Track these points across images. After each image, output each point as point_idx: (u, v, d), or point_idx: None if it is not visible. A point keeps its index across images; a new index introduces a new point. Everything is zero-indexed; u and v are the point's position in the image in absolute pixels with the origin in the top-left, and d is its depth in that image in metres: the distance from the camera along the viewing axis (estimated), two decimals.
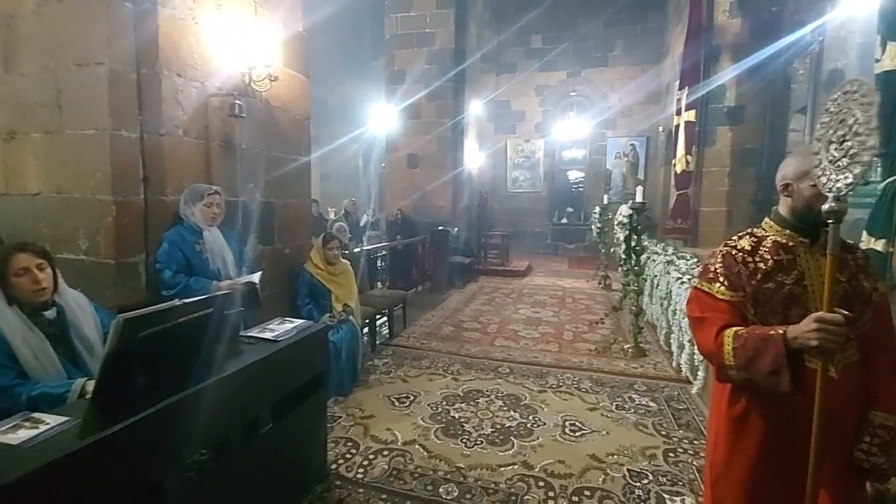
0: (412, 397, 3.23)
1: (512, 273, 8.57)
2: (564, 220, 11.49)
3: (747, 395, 1.33)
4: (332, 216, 7.96)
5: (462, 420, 2.90)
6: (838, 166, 1.14)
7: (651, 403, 3.15)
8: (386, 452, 2.53)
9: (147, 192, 2.43)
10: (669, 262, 4.46)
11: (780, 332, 1.18)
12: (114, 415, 1.25)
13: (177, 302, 1.41)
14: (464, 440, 2.66)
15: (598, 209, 8.24)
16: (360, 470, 2.37)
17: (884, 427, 1.23)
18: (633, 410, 3.04)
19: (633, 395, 3.27)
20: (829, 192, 1.15)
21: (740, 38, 6.93)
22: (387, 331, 4.74)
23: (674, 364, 3.78)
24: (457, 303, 6.30)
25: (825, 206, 1.14)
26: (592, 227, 8.69)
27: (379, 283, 5.93)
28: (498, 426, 2.83)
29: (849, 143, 1.12)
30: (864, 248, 2.93)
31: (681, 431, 2.75)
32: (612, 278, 7.32)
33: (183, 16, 2.50)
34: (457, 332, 4.86)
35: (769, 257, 1.33)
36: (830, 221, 1.14)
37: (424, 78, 7.85)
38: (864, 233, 2.97)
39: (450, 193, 8.00)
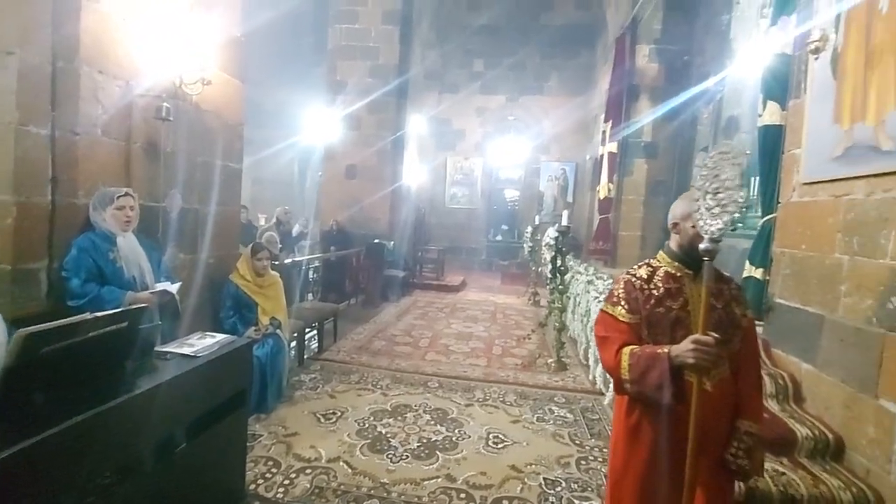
0: (339, 413, 3.20)
1: (447, 288, 8.72)
2: (499, 238, 11.92)
3: (640, 406, 1.51)
4: (262, 223, 7.67)
5: (389, 435, 2.92)
6: (713, 213, 1.35)
7: (568, 415, 3.36)
8: (309, 471, 2.49)
9: (56, 193, 2.24)
10: (590, 282, 4.81)
11: (666, 350, 1.37)
12: (6, 438, 1.16)
13: (87, 315, 1.34)
14: (389, 455, 2.68)
15: (530, 229, 8.66)
16: (281, 490, 2.31)
17: (748, 433, 1.45)
18: (552, 422, 3.23)
19: (553, 407, 3.48)
20: (706, 234, 1.35)
21: (657, 82, 7.69)
22: (316, 345, 4.64)
23: (590, 377, 4.07)
24: (390, 317, 6.30)
25: (701, 246, 1.35)
26: (524, 245, 9.10)
27: (310, 296, 5.80)
28: (424, 440, 2.88)
29: (721, 195, 1.34)
30: (746, 275, 3.38)
31: (593, 440, 2.97)
32: (542, 295, 7.69)
33: (109, 10, 2.37)
34: (388, 347, 4.87)
35: (661, 285, 1.53)
36: (706, 258, 1.35)
37: (367, 90, 7.88)
38: (747, 262, 3.42)
39: (388, 206, 8.03)
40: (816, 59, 2.78)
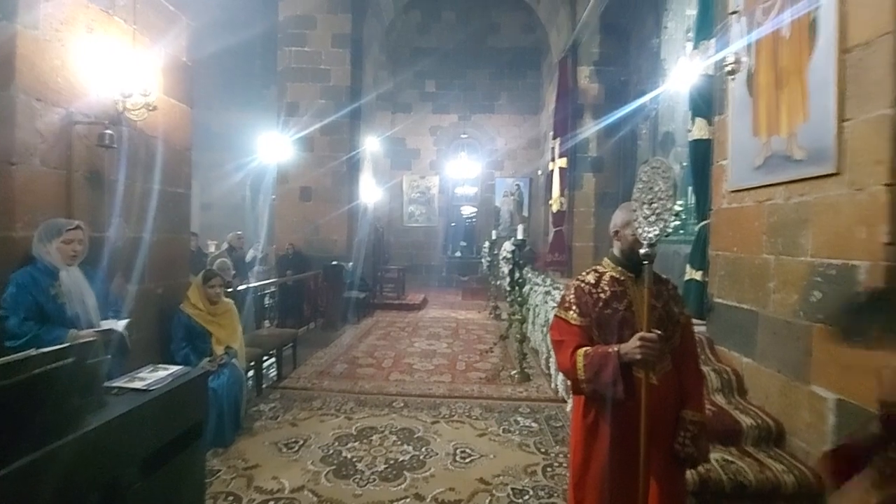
0: (301, 441, 3.11)
1: (408, 306, 8.69)
2: (459, 254, 12.04)
3: (596, 405, 1.59)
4: (212, 249, 7.40)
5: (355, 459, 2.87)
6: (649, 221, 1.47)
7: (534, 424, 3.43)
8: (272, 503, 2.40)
9: None
10: (547, 293, 4.96)
11: (616, 349, 1.47)
12: None
13: (32, 352, 1.27)
14: (356, 480, 2.63)
15: (487, 243, 8.82)
16: None
17: (693, 423, 1.56)
18: (517, 432, 3.28)
19: (519, 418, 3.53)
20: (644, 240, 1.47)
21: (598, 100, 8.15)
22: (275, 372, 4.49)
23: (552, 386, 4.17)
24: (351, 339, 6.20)
25: (641, 251, 1.47)
26: (483, 260, 9.26)
27: (266, 322, 5.63)
28: (391, 461, 2.85)
29: (655, 205, 1.47)
30: (687, 278, 3.61)
31: (557, 447, 3.04)
32: (502, 308, 7.82)
33: (47, 37, 2.28)
34: (351, 370, 4.79)
35: (607, 289, 1.63)
36: (645, 262, 1.46)
37: (319, 112, 7.87)
38: (688, 265, 3.66)
39: (345, 227, 7.96)
40: (733, 79, 3.07)
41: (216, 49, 8.88)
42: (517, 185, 11.94)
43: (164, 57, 3.11)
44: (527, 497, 2.47)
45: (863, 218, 2.09)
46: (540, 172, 11.03)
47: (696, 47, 3.85)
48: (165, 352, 3.10)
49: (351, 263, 7.69)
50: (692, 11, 4.84)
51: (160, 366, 2.15)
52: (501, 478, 2.66)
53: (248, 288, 4.98)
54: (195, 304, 3.20)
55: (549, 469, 2.76)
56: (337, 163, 7.94)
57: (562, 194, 8.28)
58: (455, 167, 11.86)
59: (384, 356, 5.34)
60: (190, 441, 2.05)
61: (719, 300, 3.24)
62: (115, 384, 1.87)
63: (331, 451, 2.96)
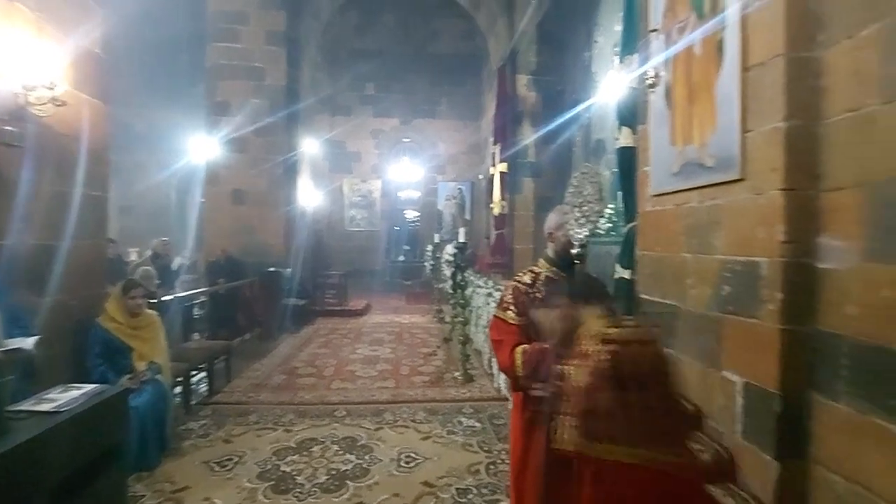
0: (236, 458, 2.95)
1: (350, 313, 8.52)
2: (402, 258, 11.98)
3: (533, 402, 1.65)
4: (134, 257, 6.85)
5: (294, 473, 2.76)
6: (580, 223, 1.56)
7: (477, 424, 3.48)
8: None
9: None
10: (489, 294, 5.07)
11: (551, 345, 1.53)
12: None
13: None
14: (296, 494, 2.54)
15: (430, 247, 8.86)
16: None
17: None
18: (461, 433, 3.32)
19: (462, 419, 3.57)
20: (575, 241, 1.56)
21: (536, 108, 8.48)
22: (206, 387, 4.23)
23: (495, 385, 4.26)
24: (290, 348, 5.97)
25: (573, 251, 1.55)
26: (426, 264, 9.28)
27: (196, 334, 5.29)
28: (333, 472, 2.78)
29: (585, 208, 1.58)
30: (617, 276, 3.84)
31: (500, 444, 3.11)
32: (446, 311, 7.87)
33: None
34: (290, 380, 4.61)
35: (543, 288, 1.71)
36: (576, 262, 1.55)
37: (253, 112, 7.53)
38: (617, 265, 3.89)
39: (282, 232, 7.66)
40: (653, 92, 3.32)
41: (138, 43, 8.26)
42: (459, 189, 12.11)
43: (74, 49, 2.84)
44: (471, 496, 2.50)
45: (763, 219, 2.33)
46: (481, 177, 11.26)
47: (621, 61, 4.12)
48: (81, 370, 2.82)
49: (289, 269, 7.41)
50: (619, 27, 5.18)
51: (72, 385, 1.97)
52: (446, 479, 2.67)
53: (174, 298, 4.66)
54: (114, 316, 2.95)
55: (492, 466, 2.82)
56: (273, 165, 7.64)
57: (503, 198, 8.52)
58: (397, 171, 11.82)
59: (325, 364, 5.20)
60: (108, 465, 1.89)
61: (645, 296, 3.47)
62: (20, 408, 1.68)
63: (269, 466, 2.84)
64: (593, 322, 1.17)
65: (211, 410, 3.78)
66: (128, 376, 2.88)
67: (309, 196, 9.03)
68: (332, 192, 11.51)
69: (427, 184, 12.23)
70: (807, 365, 2.20)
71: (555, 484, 1.60)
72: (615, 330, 1.12)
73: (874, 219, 1.94)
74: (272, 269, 6.95)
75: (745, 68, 2.46)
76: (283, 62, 7.71)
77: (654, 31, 3.34)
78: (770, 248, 2.28)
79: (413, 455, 2.98)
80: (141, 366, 2.97)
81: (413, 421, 3.55)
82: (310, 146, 9.12)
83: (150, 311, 3.24)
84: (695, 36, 2.88)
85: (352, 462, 2.89)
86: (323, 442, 3.17)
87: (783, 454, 2.23)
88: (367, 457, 2.96)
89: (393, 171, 11.89)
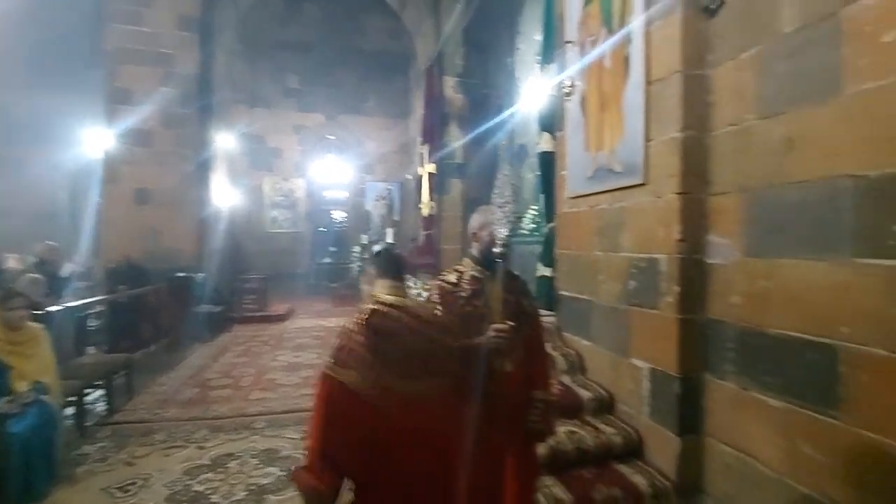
0: (140, 482, 2.68)
1: (271, 318, 8.09)
2: (328, 260, 11.59)
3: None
4: (12, 264, 5.97)
5: (208, 492, 2.57)
6: (501, 223, 1.61)
7: None
8: None
9: None
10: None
11: (477, 342, 1.56)
12: None
13: None
14: None
15: (357, 248, 8.69)
16: None
17: (541, 401, 1.74)
18: None
19: None
20: (498, 240, 1.60)
21: (463, 111, 8.63)
22: (104, 406, 3.79)
23: None
24: (203, 359, 5.54)
25: (495, 250, 1.59)
26: (353, 265, 9.08)
27: (91, 348, 4.74)
28: (252, 487, 2.62)
29: (506, 209, 1.62)
30: (539, 274, 4.02)
31: None
32: None
33: None
34: (202, 393, 4.27)
35: (468, 287, 1.74)
36: (498, 260, 1.59)
37: (160, 102, 6.89)
38: (539, 263, 4.07)
39: (194, 235, 7.09)
40: (569, 100, 3.53)
41: (24, 15, 7.22)
42: (388, 189, 11.99)
43: None
44: None
45: (662, 220, 2.57)
46: (410, 177, 11.25)
47: (541, 69, 4.33)
48: None
49: (202, 275, 6.87)
50: (539, 37, 5.43)
51: None
52: None
53: (64, 308, 4.12)
54: None
55: None
56: (184, 161, 7.04)
57: (431, 199, 8.57)
58: (323, 170, 11.42)
59: (243, 374, 4.88)
60: None
61: (564, 292, 3.68)
62: None
63: (179, 487, 2.61)
64: (380, 289, 1.47)
65: (110, 431, 3.40)
66: (5, 399, 2.50)
67: (225, 195, 8.45)
68: (252, 191, 10.86)
69: (355, 183, 11.97)
70: (700, 349, 2.46)
71: (480, 473, 1.63)
72: (385, 297, 1.43)
73: (751, 220, 2.22)
74: (182, 274, 6.40)
75: (649, 82, 2.69)
76: (195, 49, 7.13)
77: (570, 42, 3.55)
78: (668, 246, 2.52)
79: None
80: (22, 386, 2.60)
81: None
82: (226, 141, 8.53)
83: (33, 325, 2.84)
84: (605, 50, 3.10)
85: (273, 475, 2.74)
86: (241, 456, 2.97)
87: (683, 430, 2.47)
88: (291, 469, 2.82)
89: (318, 170, 11.47)
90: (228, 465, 2.86)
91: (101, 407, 3.78)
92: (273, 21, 10.75)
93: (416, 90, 10.61)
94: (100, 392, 3.82)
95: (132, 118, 6.76)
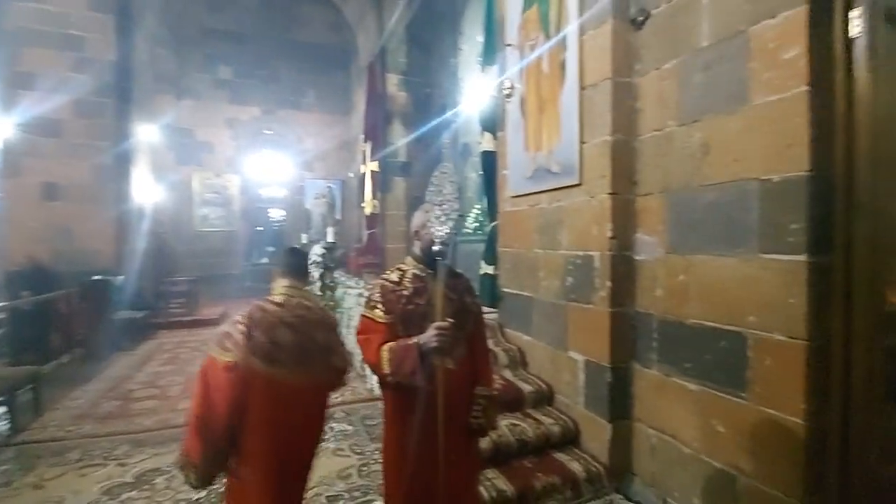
0: None
1: (202, 323, 7.61)
2: (265, 260, 11.10)
3: (402, 396, 1.66)
4: None
5: None
6: (441, 221, 1.61)
7: (348, 427, 3.40)
8: None
9: None
10: (361, 295, 4.98)
11: (416, 340, 1.56)
12: None
13: None
14: None
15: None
16: None
17: (483, 397, 1.77)
18: (332, 439, 3.20)
19: (333, 424, 3.45)
20: (437, 238, 1.61)
21: (407, 108, 8.58)
22: (6, 425, 3.39)
23: (368, 386, 4.21)
24: (124, 369, 5.10)
25: (434, 248, 1.60)
26: None
27: None
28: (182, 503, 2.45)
29: (445, 207, 1.62)
30: (482, 272, 4.09)
31: (373, 445, 3.08)
32: None
33: None
34: (124, 406, 3.94)
35: (410, 285, 1.73)
36: (438, 258, 1.60)
37: (70, 88, 6.25)
38: (482, 261, 4.15)
39: (111, 234, 6.51)
40: (510, 102, 3.62)
41: None
42: (329, 186, 11.66)
43: None
44: (342, 501, 2.43)
45: (595, 219, 2.71)
46: (352, 175, 11.03)
47: (483, 70, 4.40)
48: None
49: (121, 277, 6.32)
50: (481, 38, 5.52)
51: None
52: (315, 489, 2.55)
53: None
54: None
55: (364, 468, 2.77)
56: (99, 153, 6.44)
57: (374, 197, 8.45)
58: (259, 166, 10.89)
59: (170, 384, 4.56)
60: None
61: (506, 290, 3.77)
62: None
63: None
64: (277, 287, 1.80)
65: (14, 453, 3.04)
66: None
67: (148, 191, 7.83)
68: (179, 188, 10.13)
69: (294, 181, 11.52)
70: (630, 340, 2.62)
71: (421, 472, 1.64)
72: (276, 294, 1.76)
73: (672, 219, 2.39)
74: (98, 277, 5.85)
75: (582, 87, 2.82)
76: (110, 32, 6.54)
77: (510, 45, 3.64)
78: (601, 243, 2.66)
79: None
80: None
81: None
82: (149, 133, 7.91)
83: None
84: (543, 54, 3.21)
85: (205, 489, 2.58)
86: (168, 472, 2.77)
87: (614, 417, 2.63)
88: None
89: (253, 166, 10.93)
90: (154, 482, 2.66)
91: (3, 426, 3.37)
92: (201, 7, 10.10)
93: (357, 86, 10.41)
94: (1, 409, 3.41)
95: (37, 105, 6.08)
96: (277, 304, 1.71)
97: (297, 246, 2.22)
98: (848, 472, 1.80)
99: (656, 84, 2.49)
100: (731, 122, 2.07)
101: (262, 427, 1.56)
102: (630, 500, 2.48)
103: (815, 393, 1.78)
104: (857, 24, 1.78)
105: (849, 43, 1.80)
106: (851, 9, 1.79)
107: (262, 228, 11.35)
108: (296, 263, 1.86)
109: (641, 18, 2.50)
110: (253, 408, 1.55)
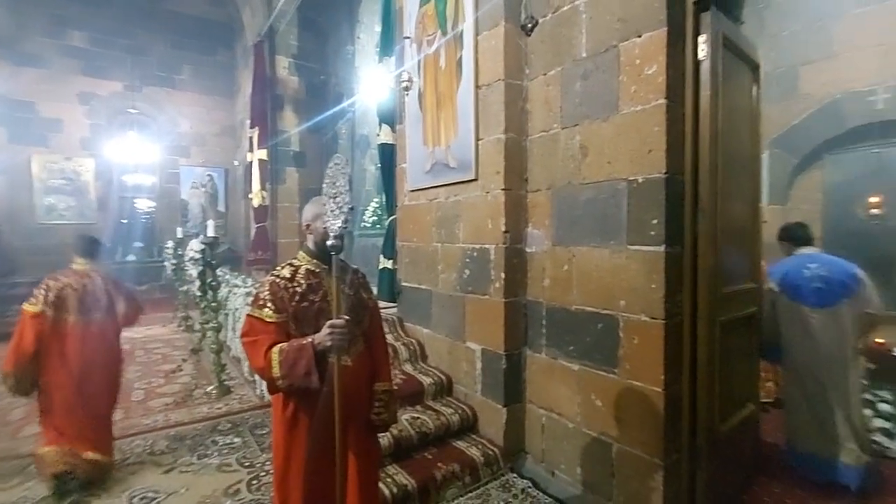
0: None
1: None
2: (132, 257, 9.74)
3: (294, 398, 1.58)
4: None
5: None
6: (335, 214, 1.54)
7: (236, 439, 3.13)
8: None
9: None
10: (249, 294, 4.61)
11: (310, 339, 1.48)
12: None
13: None
14: None
15: (171, 243, 7.49)
16: None
17: (384, 392, 1.75)
18: (216, 454, 2.91)
19: (217, 438, 3.15)
20: (331, 231, 1.53)
21: (299, 94, 8.12)
22: None
23: (258, 392, 3.92)
24: None
25: (329, 242, 1.52)
26: (166, 263, 7.82)
27: None
28: None
29: (339, 199, 1.55)
30: (381, 266, 4.04)
31: (264, 455, 2.87)
32: (195, 318, 6.80)
33: None
34: None
35: (303, 282, 1.63)
36: (333, 252, 1.53)
37: None
38: (381, 256, 4.09)
39: None
40: (408, 95, 3.60)
41: None
42: (209, 175, 10.59)
43: None
44: None
45: (490, 213, 2.82)
46: (237, 163, 10.14)
47: (380, 61, 4.31)
48: None
49: None
50: (379, 28, 5.41)
51: None
52: None
53: None
54: None
55: (254, 482, 2.58)
56: None
57: (263, 188, 7.86)
58: (121, 149, 9.41)
59: (10, 407, 3.78)
60: None
61: (406, 284, 3.77)
62: None
63: None
64: (73, 264, 2.62)
65: None
66: None
67: None
68: (13, 172, 8.41)
69: (166, 167, 10.19)
70: (522, 328, 2.79)
71: (318, 476, 1.57)
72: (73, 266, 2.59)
73: (557, 213, 2.59)
74: None
75: (478, 86, 2.91)
76: None
77: (408, 38, 3.62)
78: (496, 236, 2.78)
79: (151, 496, 2.46)
80: None
81: (150, 455, 2.93)
82: None
83: None
84: (440, 50, 3.24)
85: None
86: None
87: (508, 401, 2.78)
88: None
89: (114, 149, 9.42)
90: None
91: None
92: None
93: (242, 68, 9.57)
94: None
95: None
96: (69, 273, 2.55)
97: (95, 237, 2.70)
98: (695, 431, 2.12)
99: (543, 88, 2.66)
100: (605, 128, 2.29)
101: (58, 357, 2.41)
102: (523, 477, 2.65)
103: (671, 365, 2.07)
104: (703, 48, 2.08)
105: (697, 64, 2.10)
106: (700, 34, 2.09)
107: (126, 221, 9.90)
108: (85, 246, 2.65)
109: (531, 25, 2.65)
110: (51, 342, 2.40)
